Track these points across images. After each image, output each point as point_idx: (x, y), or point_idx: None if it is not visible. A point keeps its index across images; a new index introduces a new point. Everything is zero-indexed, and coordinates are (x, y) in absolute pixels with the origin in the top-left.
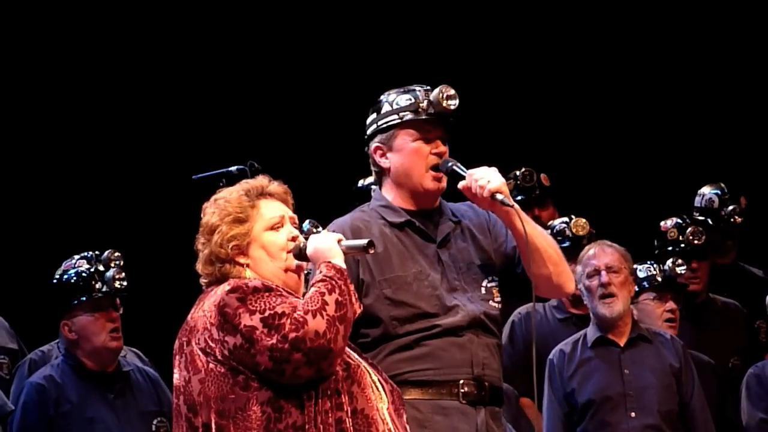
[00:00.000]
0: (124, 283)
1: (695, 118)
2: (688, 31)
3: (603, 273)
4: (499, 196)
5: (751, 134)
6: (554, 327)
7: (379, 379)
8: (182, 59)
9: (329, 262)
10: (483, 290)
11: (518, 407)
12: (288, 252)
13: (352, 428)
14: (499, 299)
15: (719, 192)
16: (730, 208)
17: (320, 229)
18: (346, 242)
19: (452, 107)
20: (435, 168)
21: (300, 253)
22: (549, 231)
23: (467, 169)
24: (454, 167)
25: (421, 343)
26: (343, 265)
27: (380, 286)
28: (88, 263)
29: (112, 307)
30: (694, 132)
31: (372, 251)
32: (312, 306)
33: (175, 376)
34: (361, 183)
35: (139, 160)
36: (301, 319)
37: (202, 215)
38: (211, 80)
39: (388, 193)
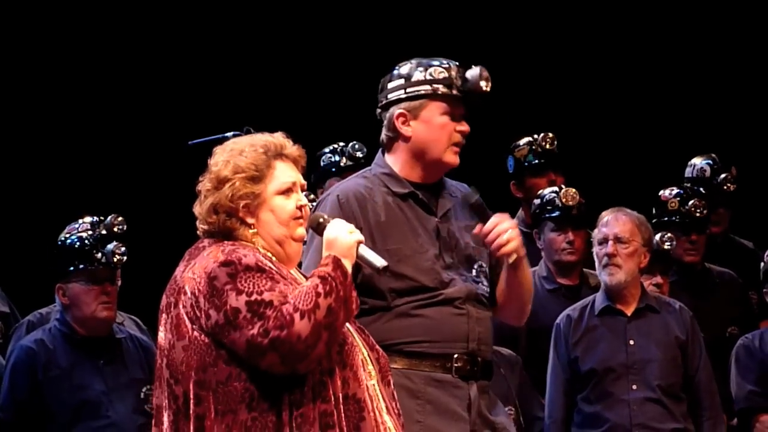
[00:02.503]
0: (124, 258)
1: (689, 90)
2: (678, 13)
3: (610, 243)
4: (510, 259)
5: (743, 107)
6: (543, 297)
7: (363, 345)
8: (179, 24)
9: (339, 260)
10: (474, 272)
11: (522, 374)
12: (296, 219)
13: (343, 415)
14: (487, 284)
15: (710, 162)
16: (722, 176)
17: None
18: (364, 250)
19: (487, 89)
20: (462, 144)
21: (317, 228)
22: (539, 200)
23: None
24: (479, 202)
25: (419, 311)
26: (350, 269)
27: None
28: (92, 228)
29: (108, 281)
30: (689, 104)
31: (384, 275)
32: (303, 305)
33: (160, 335)
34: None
35: (135, 125)
36: (288, 318)
37: (211, 158)
38: (207, 46)
39: (396, 161)
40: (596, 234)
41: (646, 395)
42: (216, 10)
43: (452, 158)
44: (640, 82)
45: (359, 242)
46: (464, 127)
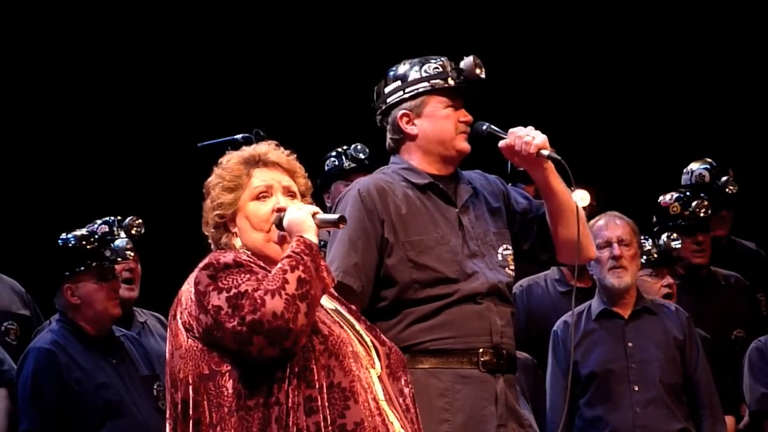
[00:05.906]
0: (132, 254)
1: (686, 95)
2: (672, 23)
3: (615, 246)
4: (545, 152)
5: (740, 112)
6: (556, 300)
7: (372, 341)
8: (192, 28)
9: (300, 236)
10: (500, 257)
11: (537, 377)
12: (271, 223)
13: (327, 403)
14: (513, 267)
15: (708, 167)
16: (723, 179)
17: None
18: (320, 216)
19: (483, 76)
20: (469, 132)
21: (280, 224)
22: None
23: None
24: (491, 129)
25: (441, 312)
26: (315, 240)
27: (404, 247)
28: (110, 228)
29: (115, 278)
30: (681, 109)
31: (342, 226)
32: (272, 285)
33: (166, 348)
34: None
35: (145, 128)
36: (259, 300)
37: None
38: (217, 49)
39: (411, 157)
40: (593, 239)
41: (650, 396)
42: (226, 13)
43: (464, 145)
44: (634, 90)
45: (313, 213)
46: (467, 116)
